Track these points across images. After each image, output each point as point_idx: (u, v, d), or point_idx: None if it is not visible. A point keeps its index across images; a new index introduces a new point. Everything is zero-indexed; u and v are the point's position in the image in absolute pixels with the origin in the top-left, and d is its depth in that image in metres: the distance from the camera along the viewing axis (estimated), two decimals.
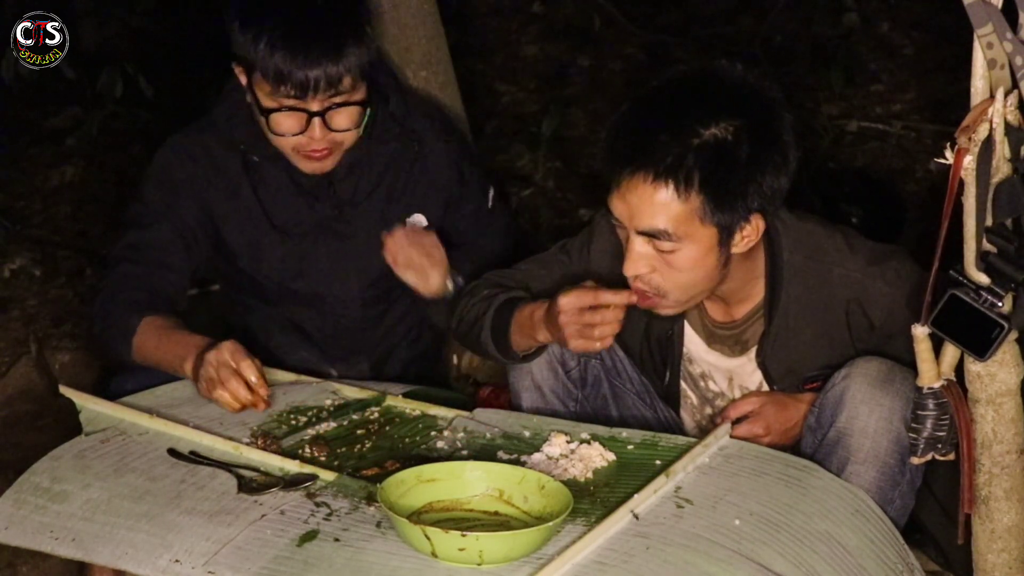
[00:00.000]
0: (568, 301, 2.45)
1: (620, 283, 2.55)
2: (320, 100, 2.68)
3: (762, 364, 2.64)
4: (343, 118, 2.73)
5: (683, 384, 2.75)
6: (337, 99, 2.69)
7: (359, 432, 2.57)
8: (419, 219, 2.96)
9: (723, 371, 2.70)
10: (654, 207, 2.40)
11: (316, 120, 2.70)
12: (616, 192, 2.45)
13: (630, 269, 2.48)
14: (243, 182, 2.87)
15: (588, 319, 2.45)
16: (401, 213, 2.95)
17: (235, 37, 2.70)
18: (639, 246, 2.46)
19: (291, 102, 2.68)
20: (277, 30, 2.64)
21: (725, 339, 2.68)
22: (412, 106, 2.97)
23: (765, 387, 2.66)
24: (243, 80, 2.76)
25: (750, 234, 2.46)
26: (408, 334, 3.08)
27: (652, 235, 2.43)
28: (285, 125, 2.72)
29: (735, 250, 2.47)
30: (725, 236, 2.43)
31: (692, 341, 2.70)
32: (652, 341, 2.72)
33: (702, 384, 2.74)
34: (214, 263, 2.96)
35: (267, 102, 2.71)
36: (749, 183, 2.40)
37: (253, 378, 2.55)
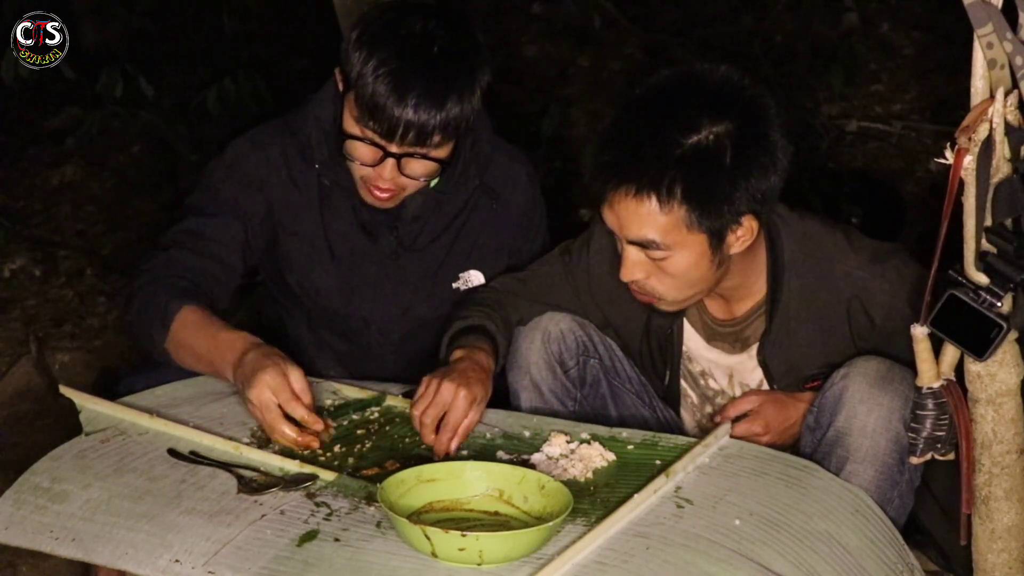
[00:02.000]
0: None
1: (620, 283, 2.56)
2: (402, 145, 2.59)
3: (763, 362, 2.64)
4: (419, 168, 2.64)
5: (683, 383, 2.75)
6: (420, 149, 2.60)
7: (359, 432, 2.57)
8: (475, 276, 2.89)
9: (723, 368, 2.71)
10: (640, 219, 2.42)
11: (390, 160, 2.61)
12: (605, 204, 2.47)
13: (626, 276, 2.51)
14: (313, 199, 2.79)
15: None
16: (460, 265, 2.88)
17: (346, 47, 2.59)
18: (632, 254, 2.48)
19: (373, 136, 2.59)
20: (388, 61, 2.53)
21: (726, 336, 2.68)
22: (499, 155, 2.86)
23: (765, 385, 2.67)
24: (340, 87, 2.64)
25: (744, 235, 2.46)
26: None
27: (642, 245, 2.45)
28: (359, 153, 2.63)
29: (731, 251, 2.48)
30: (716, 240, 2.44)
31: (692, 339, 2.71)
32: (651, 340, 2.72)
33: (702, 382, 2.74)
34: (264, 266, 2.91)
35: (350, 126, 2.61)
36: (735, 187, 2.40)
37: (303, 415, 2.43)
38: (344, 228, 2.82)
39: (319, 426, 2.45)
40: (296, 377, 2.43)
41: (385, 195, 2.67)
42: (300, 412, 2.43)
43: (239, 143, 2.82)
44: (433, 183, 2.75)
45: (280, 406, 2.42)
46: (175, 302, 2.60)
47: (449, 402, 2.45)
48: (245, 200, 2.77)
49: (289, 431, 2.43)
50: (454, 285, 2.88)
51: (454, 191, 2.81)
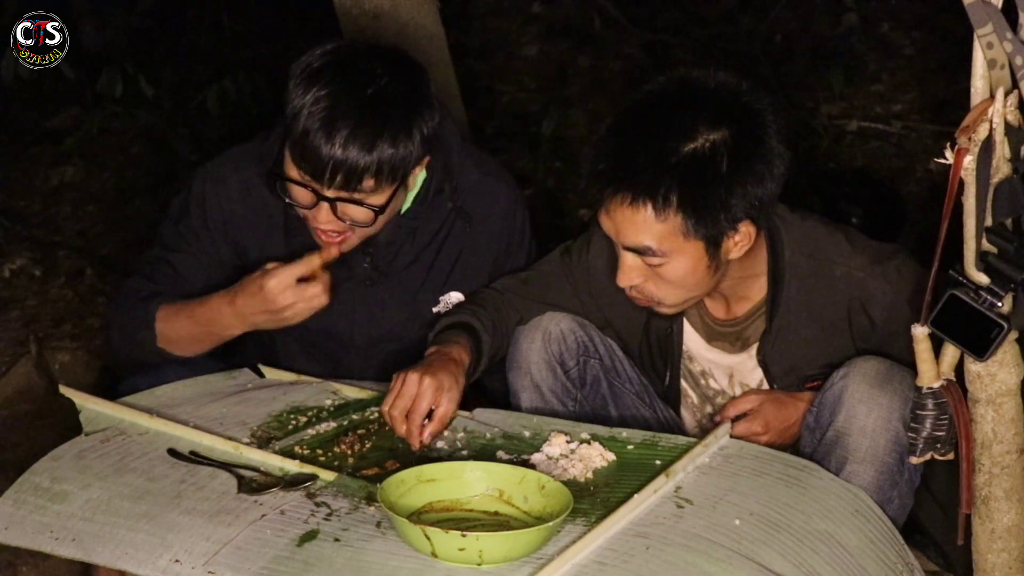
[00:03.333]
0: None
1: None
2: (334, 189, 2.54)
3: (763, 362, 2.64)
4: (356, 213, 2.59)
5: (683, 382, 2.75)
6: (355, 195, 2.55)
7: (359, 432, 2.57)
8: (456, 298, 2.84)
9: (723, 368, 2.71)
10: (636, 227, 2.42)
11: (324, 204, 2.57)
12: (602, 210, 2.48)
13: (623, 281, 2.51)
14: (278, 226, 2.77)
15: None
16: (440, 289, 2.84)
17: (290, 84, 2.57)
18: (629, 260, 2.48)
19: (306, 178, 2.55)
20: (323, 99, 2.50)
21: (726, 336, 2.68)
22: (474, 175, 2.81)
23: (765, 385, 2.67)
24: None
25: (741, 241, 2.46)
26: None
27: (638, 251, 2.45)
28: (294, 195, 2.60)
29: (729, 256, 2.48)
30: (713, 247, 2.44)
31: (692, 339, 2.71)
32: (651, 340, 2.73)
33: (702, 382, 2.74)
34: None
35: (287, 167, 2.58)
36: (731, 195, 2.40)
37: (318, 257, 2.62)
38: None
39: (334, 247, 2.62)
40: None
41: (332, 236, 2.63)
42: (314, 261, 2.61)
43: (201, 182, 2.81)
44: (389, 217, 2.68)
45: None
46: (151, 305, 2.71)
47: (415, 392, 2.47)
48: (208, 240, 2.79)
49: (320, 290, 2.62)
50: (435, 309, 2.85)
51: (426, 216, 2.77)
